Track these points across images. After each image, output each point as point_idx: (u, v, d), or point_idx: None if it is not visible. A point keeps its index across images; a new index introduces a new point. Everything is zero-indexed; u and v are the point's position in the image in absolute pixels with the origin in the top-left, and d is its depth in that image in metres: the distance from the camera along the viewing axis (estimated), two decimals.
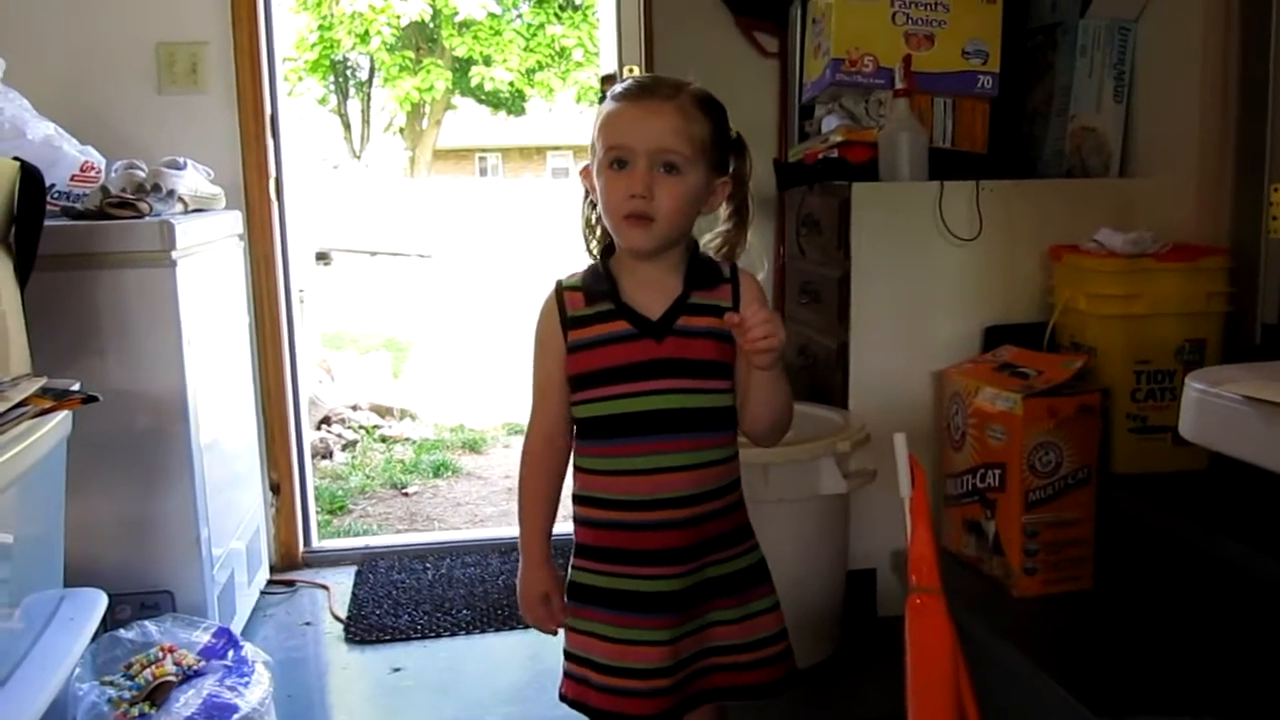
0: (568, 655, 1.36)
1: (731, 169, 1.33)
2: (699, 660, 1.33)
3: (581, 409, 1.32)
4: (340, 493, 3.81)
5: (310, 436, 3.65)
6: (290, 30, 15.55)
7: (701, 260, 1.34)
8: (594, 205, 1.36)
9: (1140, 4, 2.43)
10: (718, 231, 1.37)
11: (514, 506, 1.42)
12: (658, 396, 1.28)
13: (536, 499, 1.38)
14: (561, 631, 1.37)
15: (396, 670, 2.36)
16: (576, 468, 1.36)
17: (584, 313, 1.31)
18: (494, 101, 18.65)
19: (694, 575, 1.31)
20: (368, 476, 4.06)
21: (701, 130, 1.27)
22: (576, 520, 1.36)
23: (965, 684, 0.96)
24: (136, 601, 2.11)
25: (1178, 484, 2.07)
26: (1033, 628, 1.95)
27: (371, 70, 18.58)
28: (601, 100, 1.33)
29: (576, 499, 1.36)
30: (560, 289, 1.35)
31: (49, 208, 1.94)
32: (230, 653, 2.01)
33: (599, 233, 1.37)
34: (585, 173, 1.34)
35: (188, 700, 1.85)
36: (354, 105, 19.51)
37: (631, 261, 1.32)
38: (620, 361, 1.29)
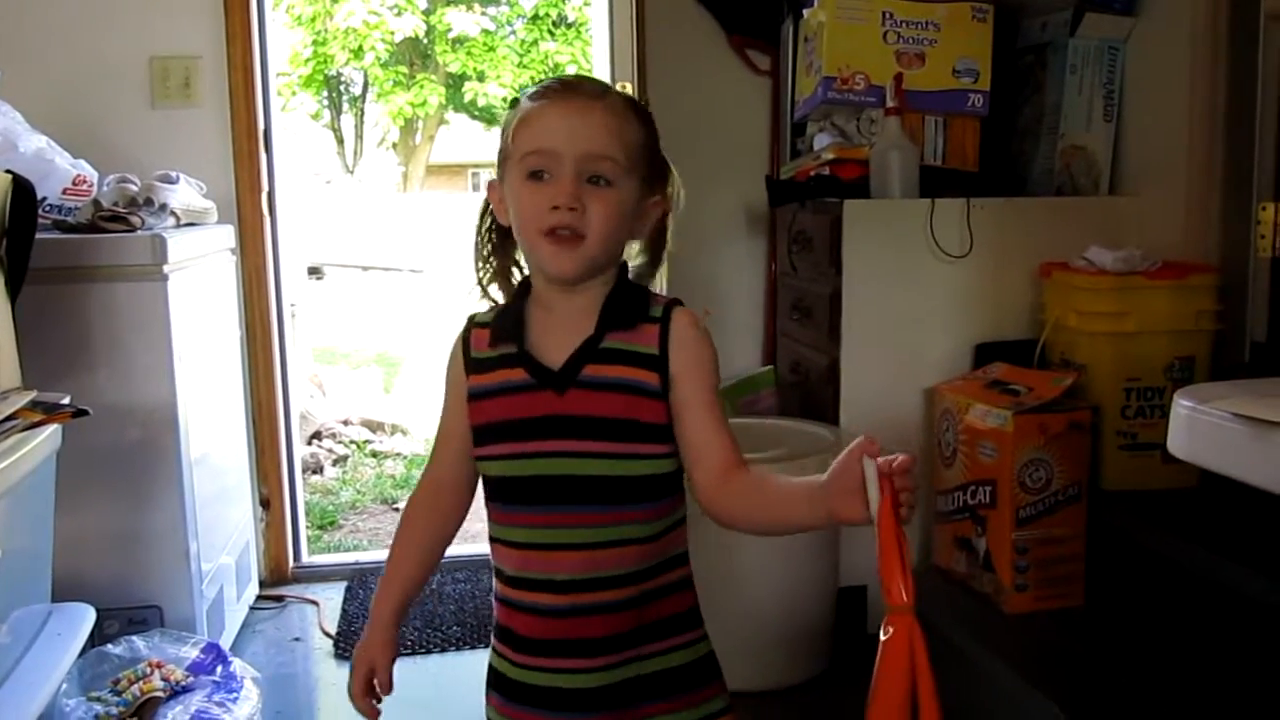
0: None
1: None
2: None
3: (482, 466, 1.15)
4: (331, 508, 3.80)
5: (301, 451, 3.64)
6: (284, 45, 15.57)
7: (626, 293, 1.12)
8: (491, 231, 1.18)
9: (1129, 24, 2.45)
10: (632, 267, 1.17)
11: None
12: (552, 460, 1.08)
13: (400, 551, 1.20)
14: None
15: None
16: (490, 535, 1.16)
17: (487, 355, 1.13)
18: (487, 117, 18.65)
19: (616, 671, 1.10)
20: (358, 492, 4.05)
21: (635, 136, 1.09)
22: (492, 593, 1.17)
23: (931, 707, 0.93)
24: (125, 616, 2.10)
25: (1167, 501, 2.07)
26: (1023, 644, 1.95)
27: (365, 85, 18.60)
28: (513, 105, 1.13)
29: (492, 569, 1.17)
30: (469, 325, 1.17)
31: (41, 221, 1.94)
32: (219, 668, 2.01)
33: (496, 264, 1.18)
34: (492, 188, 1.15)
35: (175, 716, 1.84)
36: (347, 120, 19.52)
37: (550, 295, 1.12)
38: (515, 415, 1.10)
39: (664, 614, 1.13)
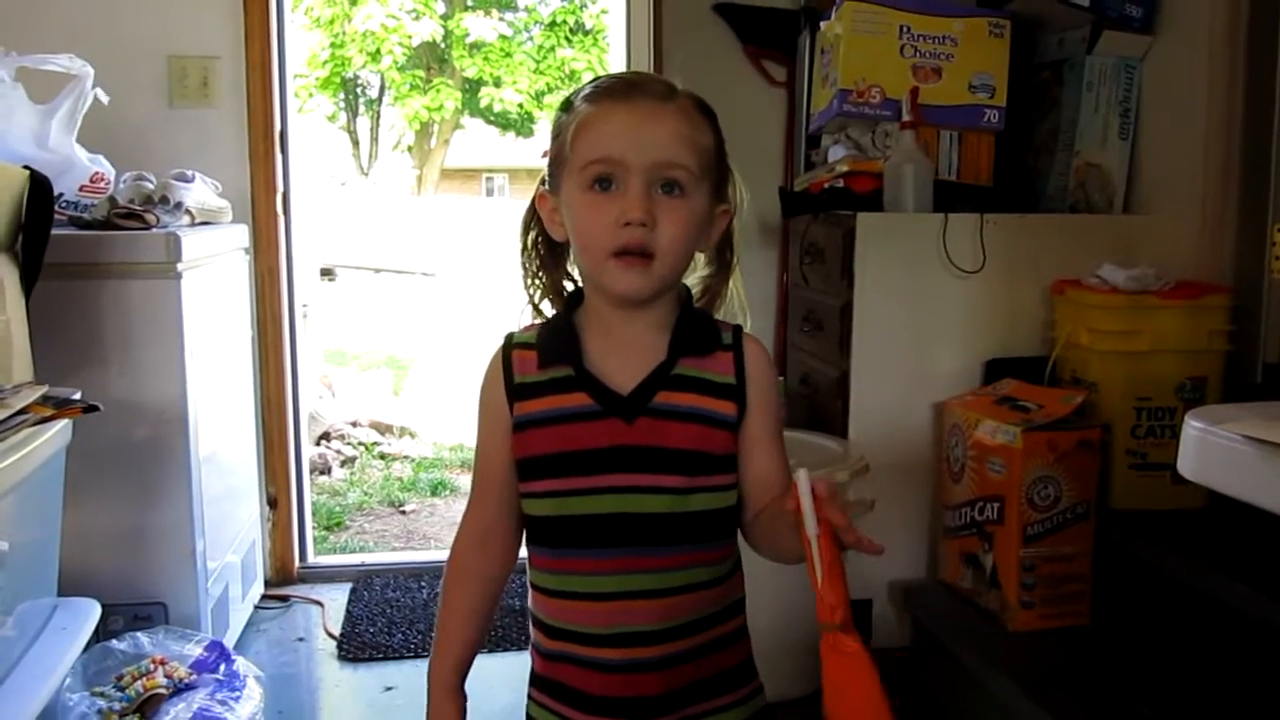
0: None
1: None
2: None
3: (528, 504, 1.03)
4: (337, 509, 3.80)
5: (309, 452, 3.65)
6: (302, 47, 15.65)
7: (696, 317, 1.05)
8: (539, 243, 1.07)
9: (1147, 42, 2.45)
10: (697, 278, 1.09)
11: None
12: (616, 496, 0.98)
13: (456, 614, 1.08)
14: None
15: (389, 689, 2.35)
16: (530, 580, 1.07)
17: (535, 379, 1.02)
18: (503, 122, 18.72)
19: None
20: (365, 493, 4.06)
21: (706, 140, 1.01)
22: (531, 641, 1.08)
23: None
24: (130, 612, 2.11)
25: (1176, 521, 2.06)
26: (1028, 662, 1.94)
27: (382, 88, 18.67)
28: (566, 107, 1.03)
29: (531, 616, 1.07)
30: (509, 345, 1.05)
31: (57, 217, 1.95)
32: (222, 666, 2.01)
33: (547, 279, 1.08)
34: (543, 199, 1.05)
35: (178, 714, 1.84)
36: (363, 123, 19.61)
37: (605, 313, 1.02)
38: (576, 446, 0.99)
39: (722, 667, 1.04)
